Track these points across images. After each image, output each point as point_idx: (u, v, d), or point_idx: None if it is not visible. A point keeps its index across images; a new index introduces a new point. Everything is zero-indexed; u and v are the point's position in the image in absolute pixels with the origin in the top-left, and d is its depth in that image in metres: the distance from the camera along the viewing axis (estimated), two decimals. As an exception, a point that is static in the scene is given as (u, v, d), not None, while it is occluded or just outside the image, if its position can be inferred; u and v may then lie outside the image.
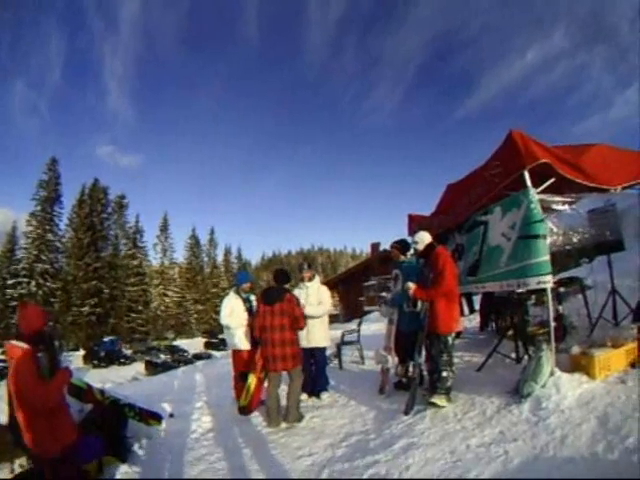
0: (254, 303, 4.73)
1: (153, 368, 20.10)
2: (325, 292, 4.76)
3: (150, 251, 47.71)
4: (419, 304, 3.81)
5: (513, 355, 4.21)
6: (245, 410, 4.35)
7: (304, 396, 4.47)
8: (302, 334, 4.30)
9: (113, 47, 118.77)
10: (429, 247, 3.84)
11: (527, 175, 3.41)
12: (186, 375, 8.45)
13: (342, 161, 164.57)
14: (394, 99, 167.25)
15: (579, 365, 3.24)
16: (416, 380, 3.72)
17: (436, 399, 3.46)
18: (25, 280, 34.73)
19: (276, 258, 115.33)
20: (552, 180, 3.58)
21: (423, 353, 3.75)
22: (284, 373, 4.06)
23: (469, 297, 6.64)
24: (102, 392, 3.83)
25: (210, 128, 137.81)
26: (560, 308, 4.52)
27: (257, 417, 4.27)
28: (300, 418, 3.99)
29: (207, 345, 30.67)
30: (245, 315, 4.62)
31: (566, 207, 4.47)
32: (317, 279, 4.85)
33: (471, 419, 3.14)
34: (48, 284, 35.53)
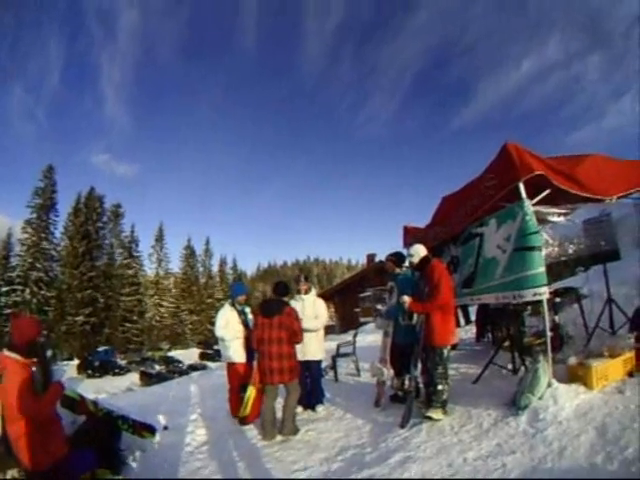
0: (249, 315, 4.71)
1: (148, 379, 19.97)
2: (321, 305, 4.75)
3: (145, 261, 47.64)
4: (415, 317, 3.80)
5: (510, 366, 4.20)
6: (245, 420, 4.30)
7: (299, 409, 4.43)
8: (297, 347, 4.28)
9: (111, 54, 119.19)
10: (424, 260, 3.85)
11: (522, 187, 3.44)
12: (181, 386, 8.33)
13: (338, 172, 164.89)
14: (390, 109, 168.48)
15: (576, 375, 3.24)
16: (412, 393, 3.70)
17: (432, 413, 3.44)
18: (19, 288, 34.39)
19: (272, 269, 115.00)
20: (547, 192, 3.61)
21: (419, 366, 3.73)
22: (281, 386, 4.02)
23: (465, 308, 6.63)
24: (95, 403, 3.76)
25: (206, 137, 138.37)
26: (556, 318, 4.52)
27: (252, 430, 4.21)
28: (295, 431, 3.95)
29: (202, 356, 30.49)
30: (240, 327, 4.59)
31: (562, 219, 4.51)
32: (313, 292, 4.84)
33: (468, 432, 3.12)
34: (42, 292, 35.21)
